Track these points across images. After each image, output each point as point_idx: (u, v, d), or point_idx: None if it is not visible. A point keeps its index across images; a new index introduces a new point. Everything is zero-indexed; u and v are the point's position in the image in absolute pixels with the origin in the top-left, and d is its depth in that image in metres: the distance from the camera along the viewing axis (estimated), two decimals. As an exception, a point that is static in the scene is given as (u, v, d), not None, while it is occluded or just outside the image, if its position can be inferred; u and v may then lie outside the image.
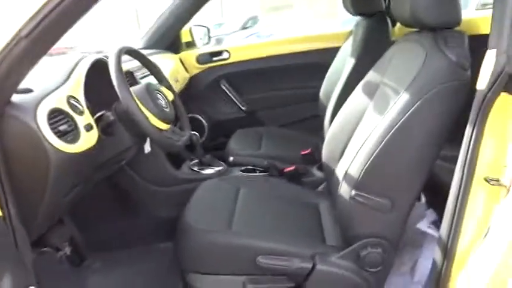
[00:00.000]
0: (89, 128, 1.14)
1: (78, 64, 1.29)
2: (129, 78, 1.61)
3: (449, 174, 0.99)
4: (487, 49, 0.88)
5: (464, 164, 0.91)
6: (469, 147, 0.90)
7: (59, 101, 1.08)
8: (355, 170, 1.12)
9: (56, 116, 1.04)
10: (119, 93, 1.18)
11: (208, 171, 1.85)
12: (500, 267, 0.87)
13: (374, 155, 1.08)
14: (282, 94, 2.51)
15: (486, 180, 0.89)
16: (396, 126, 1.05)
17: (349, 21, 2.54)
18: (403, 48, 1.26)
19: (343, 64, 2.00)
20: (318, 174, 1.78)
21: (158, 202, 1.76)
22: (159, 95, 1.36)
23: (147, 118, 1.22)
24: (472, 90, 0.92)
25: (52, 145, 0.97)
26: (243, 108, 2.54)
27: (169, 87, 1.51)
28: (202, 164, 1.89)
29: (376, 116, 1.19)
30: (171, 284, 1.51)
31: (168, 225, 1.43)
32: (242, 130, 2.26)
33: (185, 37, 2.48)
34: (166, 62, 2.15)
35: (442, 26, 1.09)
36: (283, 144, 2.10)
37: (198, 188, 1.49)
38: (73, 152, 1.03)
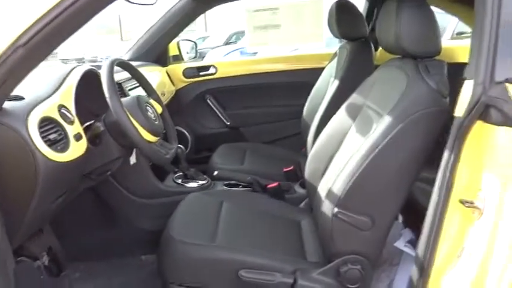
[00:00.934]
0: (78, 137, 1.15)
1: (69, 74, 1.30)
2: (119, 89, 1.63)
3: (426, 195, 1.04)
4: (464, 77, 0.95)
5: (442, 186, 0.96)
6: (446, 170, 0.95)
7: (49, 109, 1.08)
8: (337, 189, 1.16)
9: (46, 124, 1.04)
10: (110, 104, 1.20)
11: (192, 184, 1.86)
12: (474, 286, 0.91)
13: (356, 175, 1.12)
14: (267, 111, 2.56)
15: (461, 202, 0.93)
16: (378, 148, 1.10)
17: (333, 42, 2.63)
18: (386, 73, 1.32)
19: (327, 84, 2.07)
20: (301, 191, 1.82)
21: (141, 213, 1.76)
22: (149, 108, 1.38)
23: (137, 130, 1.24)
24: (451, 116, 0.98)
25: (42, 154, 0.98)
26: (227, 123, 2.57)
27: (158, 100, 1.53)
28: (187, 177, 1.90)
29: (359, 137, 1.24)
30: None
31: (151, 237, 1.43)
32: (226, 145, 2.29)
33: (172, 51, 2.51)
34: (153, 74, 2.17)
35: (423, 55, 1.15)
36: (266, 161, 2.13)
37: (182, 201, 1.51)
38: (62, 160, 1.04)
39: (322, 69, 2.22)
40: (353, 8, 1.94)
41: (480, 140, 0.91)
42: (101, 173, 1.39)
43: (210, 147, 2.33)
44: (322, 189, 1.29)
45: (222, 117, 2.57)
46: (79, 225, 1.65)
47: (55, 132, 1.06)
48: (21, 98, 1.06)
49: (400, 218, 1.66)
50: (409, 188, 1.13)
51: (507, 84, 0.88)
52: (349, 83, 1.62)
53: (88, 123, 1.30)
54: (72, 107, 1.20)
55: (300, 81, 2.46)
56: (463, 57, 0.97)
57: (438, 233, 0.98)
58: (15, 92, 0.99)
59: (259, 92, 2.53)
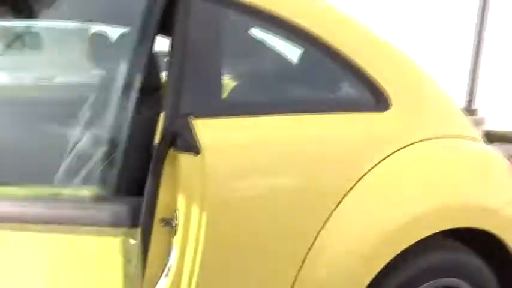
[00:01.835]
0: None
1: None
2: None
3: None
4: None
5: (146, 208, 1.02)
6: (149, 193, 1.01)
7: None
8: None
9: None
10: None
11: None
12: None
13: None
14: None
15: (162, 221, 1.01)
16: None
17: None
18: None
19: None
20: None
21: None
22: None
23: None
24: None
25: None
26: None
27: None
28: None
29: None
30: None
31: None
32: None
33: None
34: None
35: None
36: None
37: None
38: None
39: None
40: None
41: (173, 165, 1.00)
42: None
43: None
44: None
45: None
46: None
47: None
48: None
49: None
50: None
51: (191, 116, 1.00)
52: None
53: None
54: None
55: None
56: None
57: (146, 253, 1.03)
58: None
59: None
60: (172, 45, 1.04)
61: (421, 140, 1.25)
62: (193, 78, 1.03)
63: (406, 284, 1.20)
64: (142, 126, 1.04)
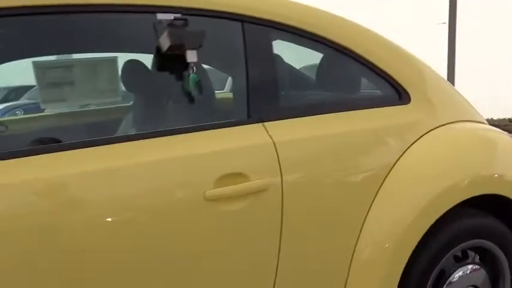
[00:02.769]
0: None
1: None
2: None
3: None
4: None
5: None
6: None
7: None
8: None
9: None
10: None
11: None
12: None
13: None
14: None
15: None
16: None
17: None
18: None
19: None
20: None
21: None
22: None
23: None
24: None
25: None
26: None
27: None
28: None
29: None
30: None
31: None
32: None
33: None
34: None
35: None
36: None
37: None
38: None
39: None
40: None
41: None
42: None
43: None
44: None
45: None
46: None
47: None
48: None
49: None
50: None
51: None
52: None
53: None
54: None
55: None
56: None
57: None
58: None
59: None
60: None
61: (440, 126, 1.51)
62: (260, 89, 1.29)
63: (447, 244, 1.43)
64: None
